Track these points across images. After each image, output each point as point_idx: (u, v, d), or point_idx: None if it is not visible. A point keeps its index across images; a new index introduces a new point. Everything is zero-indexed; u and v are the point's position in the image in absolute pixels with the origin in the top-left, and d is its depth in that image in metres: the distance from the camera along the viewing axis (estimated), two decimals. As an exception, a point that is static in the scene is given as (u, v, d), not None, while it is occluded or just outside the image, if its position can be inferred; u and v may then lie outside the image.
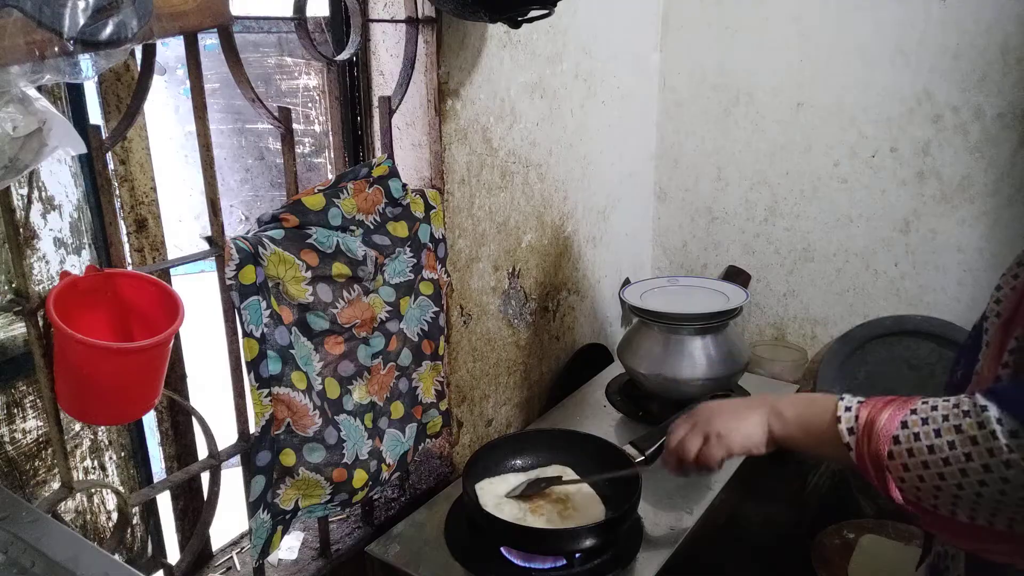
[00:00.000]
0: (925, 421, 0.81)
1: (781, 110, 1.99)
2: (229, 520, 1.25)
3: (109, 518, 1.12)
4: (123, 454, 1.14)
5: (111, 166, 1.03)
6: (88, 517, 1.09)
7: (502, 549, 1.18)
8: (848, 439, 0.88)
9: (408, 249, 1.27)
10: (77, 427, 1.06)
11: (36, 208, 0.97)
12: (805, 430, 0.97)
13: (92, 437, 1.09)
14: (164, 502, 1.18)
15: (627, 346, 1.65)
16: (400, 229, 1.25)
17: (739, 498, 1.56)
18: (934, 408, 0.81)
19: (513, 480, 1.30)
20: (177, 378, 1.15)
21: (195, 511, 1.22)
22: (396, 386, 1.29)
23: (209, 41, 1.15)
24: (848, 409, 0.91)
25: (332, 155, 1.28)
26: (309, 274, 1.10)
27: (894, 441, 0.82)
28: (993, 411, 0.76)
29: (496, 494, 1.26)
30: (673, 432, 1.10)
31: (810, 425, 0.96)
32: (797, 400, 1.01)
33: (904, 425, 0.83)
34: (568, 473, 1.31)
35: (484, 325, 1.58)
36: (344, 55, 1.18)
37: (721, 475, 1.36)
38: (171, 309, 0.89)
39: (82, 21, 0.70)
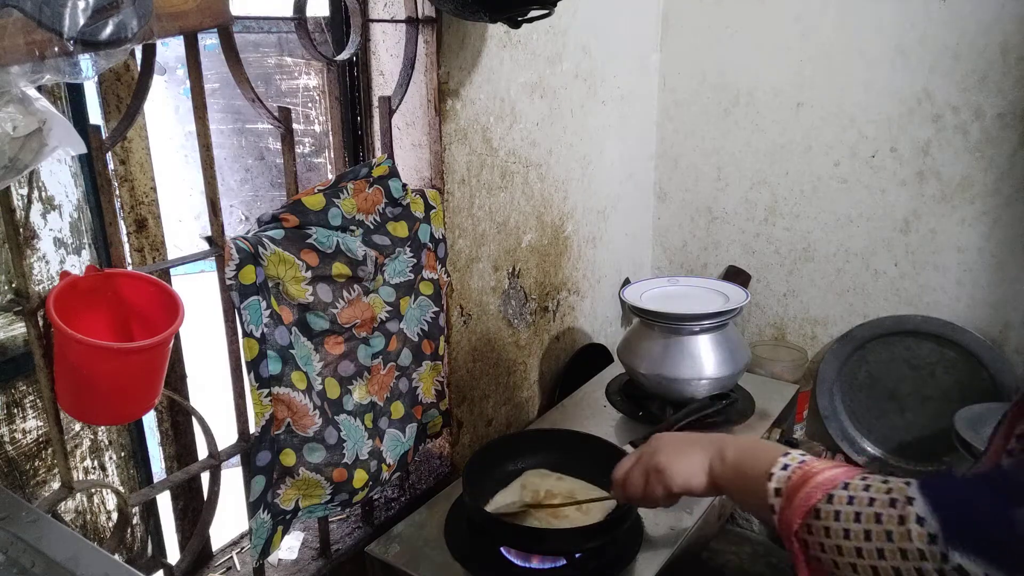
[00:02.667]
0: (851, 500, 0.70)
1: (781, 110, 1.99)
2: (229, 520, 1.25)
3: (109, 518, 1.12)
4: (123, 454, 1.14)
5: (111, 166, 1.03)
6: (88, 517, 1.09)
7: (502, 549, 1.18)
8: (774, 500, 0.77)
9: (408, 249, 1.27)
10: (77, 427, 1.06)
11: (36, 208, 0.97)
12: (740, 478, 0.86)
13: (92, 437, 1.09)
14: (164, 502, 1.18)
15: (627, 346, 1.65)
16: (400, 229, 1.25)
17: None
18: (867, 488, 0.71)
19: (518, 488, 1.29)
20: (177, 378, 1.15)
21: (195, 511, 1.22)
22: (396, 386, 1.29)
23: (209, 41, 1.15)
24: (785, 467, 0.78)
25: (332, 155, 1.28)
26: (309, 274, 1.10)
27: (814, 514, 0.72)
28: (918, 507, 0.65)
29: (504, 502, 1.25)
30: (620, 463, 1.04)
31: (745, 475, 0.84)
32: (745, 444, 0.90)
33: (830, 499, 0.72)
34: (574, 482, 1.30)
35: (484, 325, 1.58)
36: (344, 55, 1.18)
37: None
38: (171, 309, 0.89)
39: (82, 21, 0.70)
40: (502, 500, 1.24)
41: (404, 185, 1.25)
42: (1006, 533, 0.61)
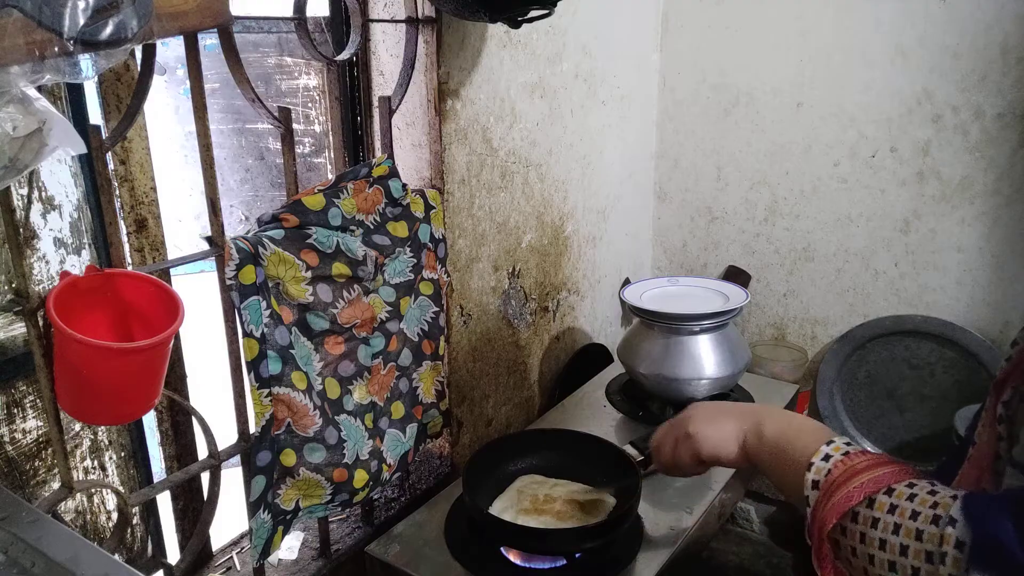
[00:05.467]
0: (893, 509, 0.66)
1: (781, 110, 1.99)
2: (229, 520, 1.25)
3: (109, 518, 1.12)
4: (123, 454, 1.14)
5: (111, 166, 1.03)
6: (88, 517, 1.09)
7: (502, 549, 1.18)
8: (809, 492, 0.74)
9: (408, 249, 1.27)
10: (77, 427, 1.06)
11: (36, 208, 0.97)
12: (776, 459, 0.83)
13: (92, 437, 1.09)
14: (164, 502, 1.18)
15: (627, 346, 1.65)
16: (400, 229, 1.25)
17: (739, 498, 1.56)
18: (911, 497, 0.66)
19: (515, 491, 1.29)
20: (177, 378, 1.15)
21: (195, 511, 1.22)
22: (396, 386, 1.29)
23: (209, 41, 1.15)
24: (827, 458, 0.74)
25: (332, 155, 1.28)
26: (309, 274, 1.10)
27: (851, 517, 0.69)
28: (959, 530, 0.61)
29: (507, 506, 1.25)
30: (656, 431, 1.07)
31: (783, 456, 0.81)
32: (786, 422, 0.85)
33: (871, 503, 0.68)
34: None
35: (484, 325, 1.58)
36: (344, 55, 1.18)
37: (721, 475, 1.36)
38: (171, 309, 0.89)
39: (82, 21, 0.70)
40: (500, 506, 1.24)
41: (404, 185, 1.25)
42: None
